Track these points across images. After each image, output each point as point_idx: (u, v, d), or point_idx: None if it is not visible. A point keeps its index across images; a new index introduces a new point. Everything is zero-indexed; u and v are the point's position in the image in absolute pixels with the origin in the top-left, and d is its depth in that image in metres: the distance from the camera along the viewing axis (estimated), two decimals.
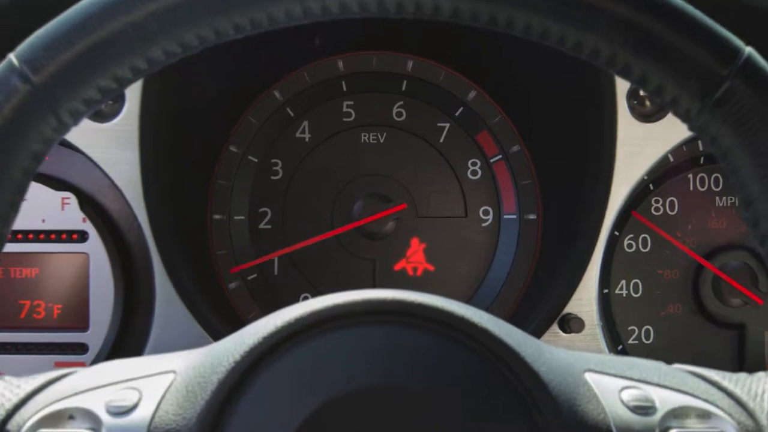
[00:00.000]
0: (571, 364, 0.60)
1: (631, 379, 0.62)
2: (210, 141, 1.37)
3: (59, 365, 1.20)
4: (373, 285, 1.40)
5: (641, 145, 1.17)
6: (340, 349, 0.58)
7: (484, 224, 1.42)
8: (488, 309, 1.38)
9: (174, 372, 0.60)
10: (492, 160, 1.42)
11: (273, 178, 1.41)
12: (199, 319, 1.13)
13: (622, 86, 1.15)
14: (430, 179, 1.42)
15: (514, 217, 1.40)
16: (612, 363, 0.63)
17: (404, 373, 0.58)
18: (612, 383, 0.61)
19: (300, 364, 0.58)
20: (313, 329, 0.60)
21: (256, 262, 1.37)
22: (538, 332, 1.16)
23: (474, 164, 1.43)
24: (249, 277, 1.38)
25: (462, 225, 1.42)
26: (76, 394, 0.59)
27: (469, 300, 1.40)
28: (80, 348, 1.21)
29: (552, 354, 0.61)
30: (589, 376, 0.60)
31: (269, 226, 1.40)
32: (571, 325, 1.15)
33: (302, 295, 1.40)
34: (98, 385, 0.60)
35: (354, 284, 1.33)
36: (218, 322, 1.14)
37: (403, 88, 1.41)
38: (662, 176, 1.32)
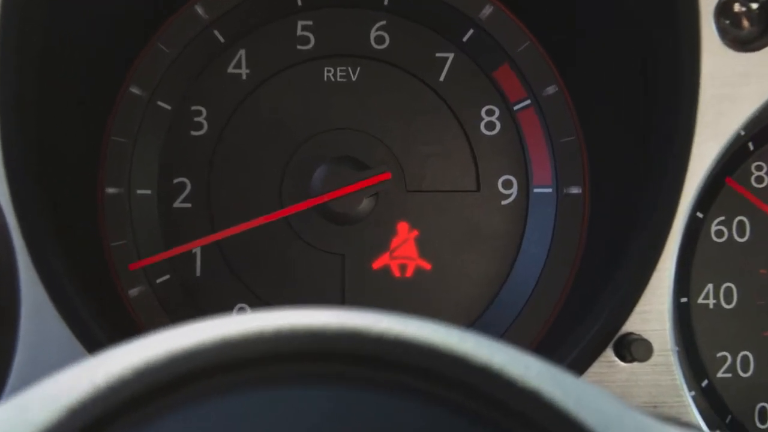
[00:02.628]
0: None
1: None
2: (101, 79, 1.35)
3: None
4: (342, 292, 1.39)
5: (736, 84, 1.16)
6: None
7: (504, 201, 1.41)
8: (510, 327, 1.38)
9: None
10: (516, 108, 1.41)
11: (194, 133, 1.39)
12: (83, 339, 1.11)
13: None
14: (425, 136, 1.40)
15: (549, 191, 1.40)
16: None
17: None
18: None
19: None
20: (174, 392, 0.45)
21: (167, 255, 1.36)
22: (584, 361, 1.15)
23: (490, 113, 1.41)
24: (159, 280, 1.37)
25: (472, 203, 1.41)
26: None
27: (482, 315, 1.40)
28: None
29: None
30: None
31: (188, 205, 1.39)
32: (633, 349, 1.14)
33: (237, 306, 1.38)
34: None
35: (312, 290, 1.37)
36: (113, 346, 1.09)
37: (386, 1, 1.40)
38: (767, 131, 1.32)
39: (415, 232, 1.41)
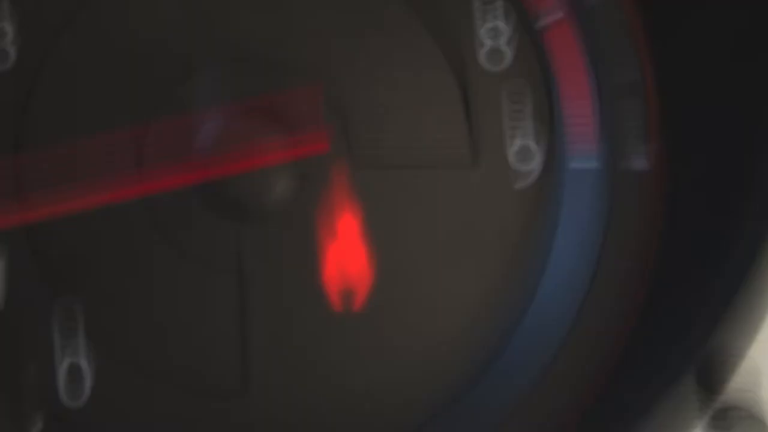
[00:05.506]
0: None
1: None
2: None
3: None
4: (240, 340, 1.29)
5: None
6: None
7: (520, 183, 1.36)
8: (528, 394, 1.32)
9: None
10: (540, 25, 1.37)
11: None
12: None
13: None
14: (388, 71, 1.36)
15: (596, 165, 1.37)
16: None
17: None
18: None
19: None
20: None
21: None
22: None
23: (493, 35, 1.36)
24: None
25: (465, 186, 1.34)
26: None
27: (481, 376, 1.32)
28: None
29: None
30: None
31: None
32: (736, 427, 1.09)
33: (66, 362, 1.30)
34: None
35: (187, 334, 1.34)
36: None
37: None
38: None
39: (368, 235, 1.32)
